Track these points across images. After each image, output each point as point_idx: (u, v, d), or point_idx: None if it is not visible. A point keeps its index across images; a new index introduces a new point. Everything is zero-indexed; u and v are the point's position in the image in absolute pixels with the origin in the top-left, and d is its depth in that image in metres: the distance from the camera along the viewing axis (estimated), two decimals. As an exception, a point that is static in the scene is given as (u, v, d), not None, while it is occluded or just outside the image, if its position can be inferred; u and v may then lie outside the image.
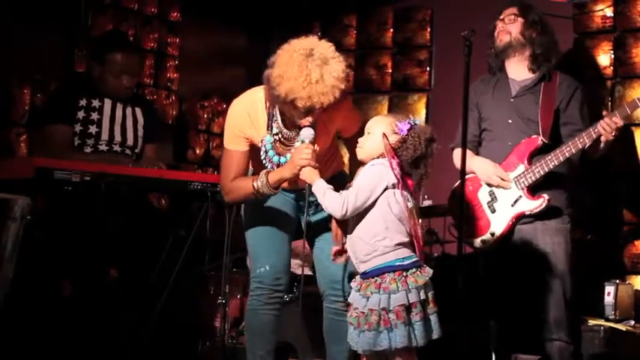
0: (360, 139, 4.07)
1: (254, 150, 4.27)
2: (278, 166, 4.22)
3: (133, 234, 5.25)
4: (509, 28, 5.24)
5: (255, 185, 4.19)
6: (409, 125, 3.98)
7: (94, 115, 5.43)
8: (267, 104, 4.20)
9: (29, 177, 4.69)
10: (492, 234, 5.12)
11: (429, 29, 6.97)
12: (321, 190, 4.02)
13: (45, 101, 5.68)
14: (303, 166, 4.06)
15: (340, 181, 4.24)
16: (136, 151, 5.58)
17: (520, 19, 5.23)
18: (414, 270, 3.92)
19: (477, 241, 5.14)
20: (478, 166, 5.18)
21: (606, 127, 4.89)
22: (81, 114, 5.40)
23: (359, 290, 3.96)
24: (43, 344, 4.92)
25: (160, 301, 5.11)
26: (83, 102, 5.42)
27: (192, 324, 5.52)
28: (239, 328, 5.44)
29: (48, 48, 5.89)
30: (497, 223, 5.11)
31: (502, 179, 5.09)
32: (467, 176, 4.71)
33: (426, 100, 6.89)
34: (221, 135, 6.97)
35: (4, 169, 4.94)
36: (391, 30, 7.10)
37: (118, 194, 5.01)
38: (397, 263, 3.93)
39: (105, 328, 5.07)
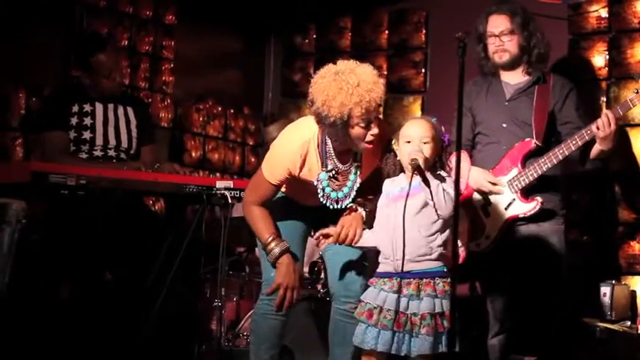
0: (425, 149, 4.01)
1: (292, 179, 4.28)
2: (337, 202, 4.26)
3: (129, 237, 5.24)
4: (507, 46, 5.19)
5: (269, 245, 4.28)
6: (447, 135, 4.08)
7: (87, 120, 5.44)
8: (319, 141, 4.21)
9: (25, 181, 4.69)
10: (487, 237, 5.12)
11: (424, 31, 6.97)
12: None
13: (40, 107, 5.68)
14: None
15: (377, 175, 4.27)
16: (131, 152, 5.58)
17: (516, 36, 5.20)
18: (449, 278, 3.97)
19: (472, 245, 5.14)
20: (470, 175, 5.16)
21: (600, 126, 4.87)
22: (74, 120, 5.41)
23: (397, 292, 3.95)
24: (40, 348, 4.91)
25: (157, 304, 5.10)
26: (75, 108, 5.43)
27: (188, 327, 5.51)
28: (235, 331, 5.44)
29: (43, 52, 5.88)
30: (491, 226, 5.12)
31: (493, 184, 5.08)
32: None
33: (421, 102, 6.91)
34: (216, 138, 7.07)
35: (0, 173, 4.94)
36: (386, 32, 7.11)
37: (113, 197, 5.00)
38: (445, 269, 3.98)
39: (102, 331, 5.07)
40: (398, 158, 4.09)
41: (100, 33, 6.21)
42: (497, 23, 5.23)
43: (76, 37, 6.05)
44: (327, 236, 4.23)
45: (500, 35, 5.20)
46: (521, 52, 5.20)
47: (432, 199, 3.92)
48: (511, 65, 5.23)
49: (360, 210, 4.26)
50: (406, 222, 3.96)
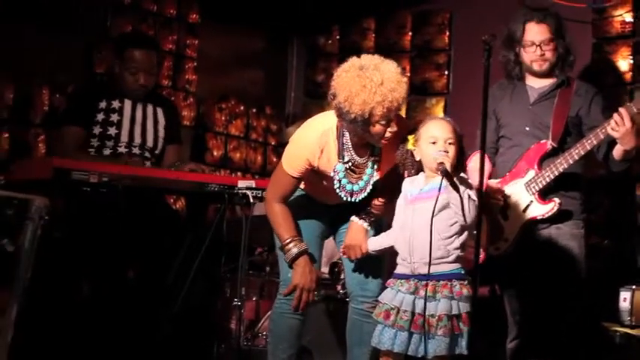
0: (450, 150, 4.01)
1: (311, 173, 4.28)
2: (351, 195, 4.26)
3: (149, 235, 5.26)
4: (548, 55, 5.11)
5: (287, 246, 4.29)
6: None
7: (114, 117, 5.45)
8: (338, 133, 4.20)
9: (47, 178, 4.72)
10: (505, 240, 5.10)
11: (447, 33, 6.97)
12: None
13: (64, 103, 5.70)
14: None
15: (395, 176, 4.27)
16: (156, 152, 5.59)
17: (555, 44, 5.11)
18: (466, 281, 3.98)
19: (491, 249, 5.13)
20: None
21: (614, 125, 4.81)
22: (100, 116, 5.41)
23: (413, 293, 3.96)
24: (60, 344, 4.94)
25: (176, 302, 5.12)
26: (103, 104, 5.44)
27: (207, 326, 5.52)
28: (255, 331, 5.44)
29: (67, 49, 5.91)
30: (509, 229, 5.10)
31: (496, 192, 5.07)
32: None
33: (444, 104, 6.91)
34: (239, 137, 7.09)
35: (23, 169, 4.97)
36: (410, 33, 7.11)
37: (135, 195, 5.02)
38: (462, 272, 3.99)
39: (122, 328, 5.08)
40: (418, 158, 4.08)
41: (148, 34, 6.28)
42: (539, 32, 5.10)
43: (101, 34, 6.10)
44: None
45: (542, 44, 5.14)
46: (558, 60, 5.16)
47: (462, 206, 3.91)
48: (549, 73, 5.18)
49: (362, 223, 4.31)
50: (426, 225, 3.96)
